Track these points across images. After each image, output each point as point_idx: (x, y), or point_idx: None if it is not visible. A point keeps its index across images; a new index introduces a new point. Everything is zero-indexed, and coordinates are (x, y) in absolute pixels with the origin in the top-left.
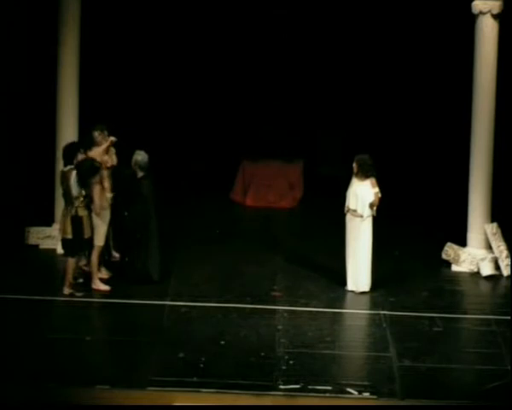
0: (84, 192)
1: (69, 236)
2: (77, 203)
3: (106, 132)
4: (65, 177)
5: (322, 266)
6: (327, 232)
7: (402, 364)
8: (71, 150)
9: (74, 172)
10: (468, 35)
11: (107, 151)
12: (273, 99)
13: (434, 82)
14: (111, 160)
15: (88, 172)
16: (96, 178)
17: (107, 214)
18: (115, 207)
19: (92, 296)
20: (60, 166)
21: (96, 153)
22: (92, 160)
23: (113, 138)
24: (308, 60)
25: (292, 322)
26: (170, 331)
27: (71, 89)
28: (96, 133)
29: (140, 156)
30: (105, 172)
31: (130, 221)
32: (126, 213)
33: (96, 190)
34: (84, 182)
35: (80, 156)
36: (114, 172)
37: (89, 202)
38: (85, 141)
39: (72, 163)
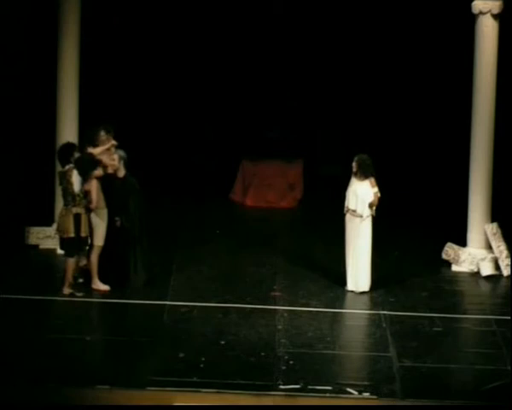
0: (83, 189)
1: (72, 234)
2: (78, 200)
3: (111, 134)
4: (64, 176)
5: (322, 266)
6: (327, 232)
7: (402, 364)
8: (67, 151)
9: (75, 170)
10: (468, 35)
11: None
12: (273, 99)
13: (434, 82)
14: (109, 160)
15: (89, 164)
16: (95, 173)
17: (105, 214)
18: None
19: (92, 296)
20: (59, 165)
21: (95, 151)
22: (91, 154)
23: (114, 142)
24: (308, 60)
25: (292, 322)
26: (170, 331)
27: (71, 88)
28: (102, 132)
29: (122, 153)
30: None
31: (127, 221)
32: (117, 219)
33: (94, 184)
34: (86, 174)
35: (76, 155)
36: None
37: (86, 201)
38: (84, 138)
39: (69, 163)
